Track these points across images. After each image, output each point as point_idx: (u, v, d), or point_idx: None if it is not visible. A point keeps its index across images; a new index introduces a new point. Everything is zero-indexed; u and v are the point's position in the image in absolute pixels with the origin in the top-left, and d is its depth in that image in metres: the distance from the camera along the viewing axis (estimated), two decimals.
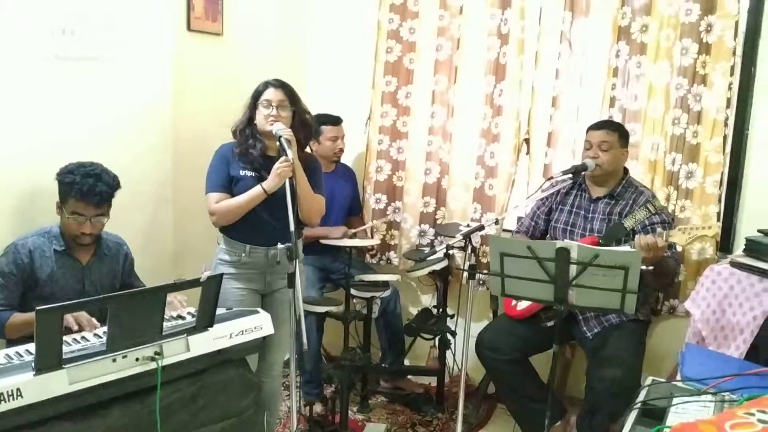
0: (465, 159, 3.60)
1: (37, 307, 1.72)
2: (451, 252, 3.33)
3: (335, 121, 3.55)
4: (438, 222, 3.73)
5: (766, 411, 1.31)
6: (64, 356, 1.81)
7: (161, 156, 3.11)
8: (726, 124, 2.98)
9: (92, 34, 2.72)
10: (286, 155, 2.54)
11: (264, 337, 2.33)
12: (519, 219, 3.35)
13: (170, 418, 2.00)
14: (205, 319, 2.13)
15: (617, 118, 3.17)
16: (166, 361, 1.98)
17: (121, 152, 2.81)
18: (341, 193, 3.63)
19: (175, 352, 2.02)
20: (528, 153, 3.47)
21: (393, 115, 3.73)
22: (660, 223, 2.78)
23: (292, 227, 2.41)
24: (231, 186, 2.69)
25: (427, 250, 3.53)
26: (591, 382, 2.78)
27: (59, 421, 1.79)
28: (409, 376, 3.81)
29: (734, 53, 2.92)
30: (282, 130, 2.59)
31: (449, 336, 3.40)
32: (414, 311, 3.70)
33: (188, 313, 2.30)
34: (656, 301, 3.18)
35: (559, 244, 2.32)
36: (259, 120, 2.68)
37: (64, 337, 1.93)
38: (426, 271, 3.32)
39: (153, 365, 1.94)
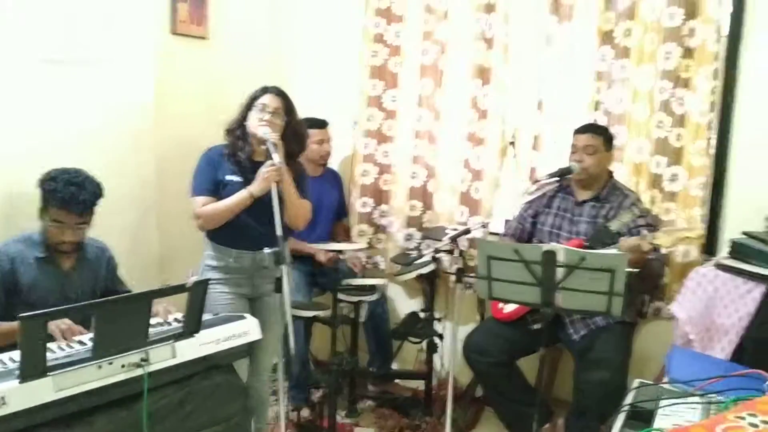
0: (451, 162, 3.61)
1: (21, 315, 1.69)
2: (438, 255, 3.33)
3: (321, 124, 3.54)
4: (424, 225, 3.73)
5: (757, 414, 1.32)
6: (49, 363, 1.79)
7: (144, 159, 3.09)
8: (709, 127, 3.00)
9: (76, 37, 2.71)
10: (273, 160, 2.53)
11: (251, 343, 2.31)
12: (506, 222, 3.36)
13: (157, 424, 1.98)
14: (192, 325, 2.11)
15: (602, 122, 3.18)
16: (153, 368, 1.96)
17: (103, 155, 2.80)
18: (329, 198, 3.63)
19: (161, 358, 2.00)
20: (514, 156, 3.48)
21: (379, 119, 3.73)
22: (645, 226, 2.79)
23: (279, 232, 2.41)
24: (218, 190, 2.66)
25: (414, 253, 3.52)
26: (578, 384, 2.79)
27: (45, 429, 1.77)
28: (397, 380, 3.81)
29: (716, 57, 2.95)
30: (269, 134, 2.58)
31: (437, 339, 3.40)
32: (401, 315, 3.69)
33: (174, 319, 2.28)
34: (642, 304, 3.20)
35: (546, 247, 2.33)
36: (251, 121, 2.67)
37: (50, 345, 1.90)
38: (413, 275, 3.31)
39: (139, 372, 1.92)
